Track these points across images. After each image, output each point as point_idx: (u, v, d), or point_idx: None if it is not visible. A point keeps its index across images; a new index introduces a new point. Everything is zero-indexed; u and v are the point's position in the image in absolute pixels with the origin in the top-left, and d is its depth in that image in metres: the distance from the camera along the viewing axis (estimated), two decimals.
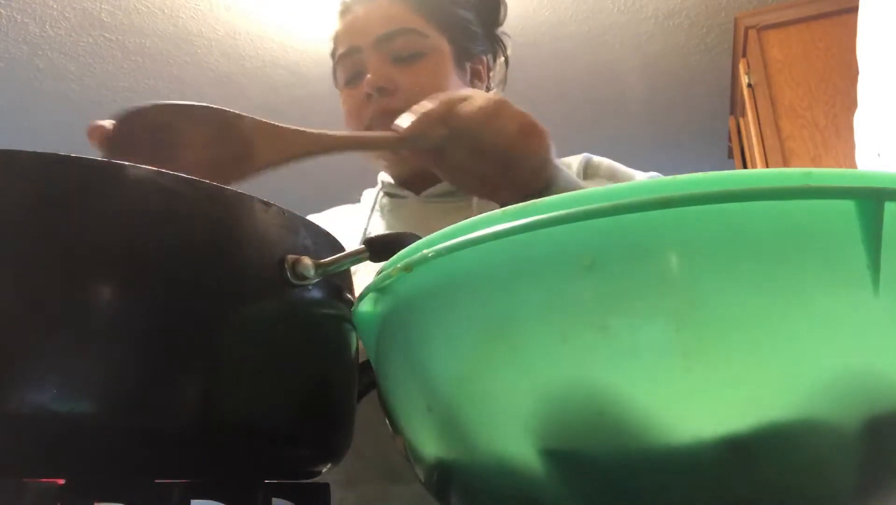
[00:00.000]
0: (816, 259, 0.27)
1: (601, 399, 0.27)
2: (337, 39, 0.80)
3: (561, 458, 0.29)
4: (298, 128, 0.54)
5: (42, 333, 0.32)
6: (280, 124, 0.54)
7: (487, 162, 0.55)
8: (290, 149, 0.54)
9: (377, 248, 0.41)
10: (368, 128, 0.75)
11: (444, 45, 0.77)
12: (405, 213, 0.81)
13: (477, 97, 0.55)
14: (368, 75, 0.74)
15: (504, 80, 0.88)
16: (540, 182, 0.57)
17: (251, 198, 0.39)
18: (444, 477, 0.35)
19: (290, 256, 0.40)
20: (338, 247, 0.45)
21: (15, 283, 0.33)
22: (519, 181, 0.56)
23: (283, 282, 0.39)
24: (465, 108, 0.54)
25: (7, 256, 0.33)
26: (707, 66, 2.52)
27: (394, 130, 0.56)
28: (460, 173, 0.57)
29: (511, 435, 0.30)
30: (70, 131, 2.76)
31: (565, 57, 2.45)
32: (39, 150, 0.34)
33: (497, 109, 0.55)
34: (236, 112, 0.53)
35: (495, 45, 0.85)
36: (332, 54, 0.81)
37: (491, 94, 0.57)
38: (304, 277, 0.40)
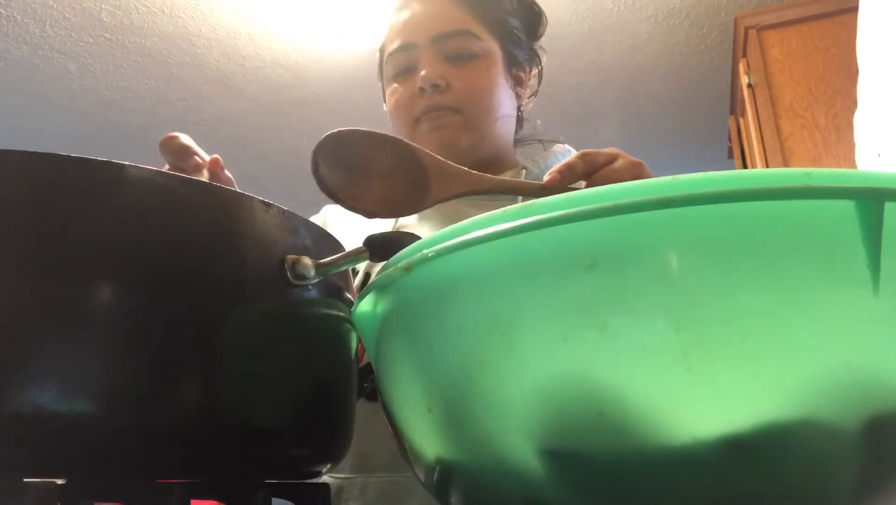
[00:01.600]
0: (816, 259, 0.27)
1: (601, 399, 0.27)
2: (391, 33, 0.81)
3: (561, 458, 0.29)
4: (463, 168, 0.57)
5: (42, 333, 0.32)
6: (449, 162, 0.57)
7: None
8: (456, 187, 0.56)
9: (377, 249, 0.41)
10: (417, 121, 0.78)
11: (496, 50, 0.80)
12: (446, 210, 0.80)
13: (618, 157, 0.59)
14: (423, 71, 0.76)
15: (535, 92, 0.89)
16: None
17: (251, 198, 0.39)
18: (444, 477, 0.35)
19: (290, 256, 0.40)
20: (338, 247, 0.45)
21: (15, 283, 0.33)
22: None
23: (283, 282, 0.39)
24: (608, 168, 0.59)
25: (7, 256, 0.33)
26: (707, 66, 2.52)
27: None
28: None
29: (511, 435, 0.30)
30: (70, 131, 2.77)
31: (565, 56, 2.45)
32: (39, 150, 0.34)
33: (638, 174, 0.59)
34: (417, 146, 0.56)
35: (534, 56, 0.87)
36: (383, 47, 0.84)
37: (631, 157, 0.60)
38: (304, 277, 0.40)
